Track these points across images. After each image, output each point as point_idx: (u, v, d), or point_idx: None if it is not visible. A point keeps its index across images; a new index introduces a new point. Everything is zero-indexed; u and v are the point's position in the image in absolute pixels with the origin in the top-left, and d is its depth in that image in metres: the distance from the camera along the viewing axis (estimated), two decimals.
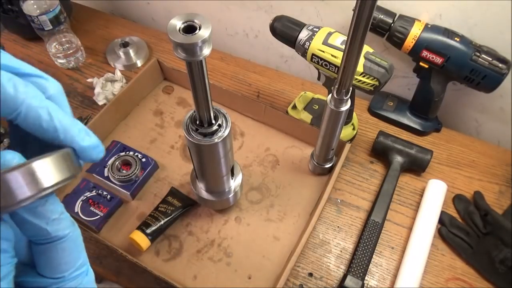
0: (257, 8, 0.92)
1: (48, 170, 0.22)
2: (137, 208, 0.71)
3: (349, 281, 0.62)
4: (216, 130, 0.51)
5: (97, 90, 0.86)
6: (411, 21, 0.71)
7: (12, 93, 0.22)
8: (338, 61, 0.64)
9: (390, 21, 0.72)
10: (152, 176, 0.75)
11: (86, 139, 0.25)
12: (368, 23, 0.44)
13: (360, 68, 0.62)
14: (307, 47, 0.66)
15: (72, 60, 0.92)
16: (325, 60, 0.65)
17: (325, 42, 0.64)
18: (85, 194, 0.69)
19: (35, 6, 0.83)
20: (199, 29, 0.38)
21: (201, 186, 0.65)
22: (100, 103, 0.86)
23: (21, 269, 0.25)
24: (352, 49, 0.47)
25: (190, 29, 0.38)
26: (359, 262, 0.64)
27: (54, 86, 0.25)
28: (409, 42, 0.71)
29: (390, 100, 0.87)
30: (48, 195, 0.23)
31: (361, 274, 0.63)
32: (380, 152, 0.77)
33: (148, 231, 0.65)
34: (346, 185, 0.76)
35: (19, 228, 0.23)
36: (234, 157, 0.63)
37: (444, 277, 0.66)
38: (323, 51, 0.64)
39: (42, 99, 0.23)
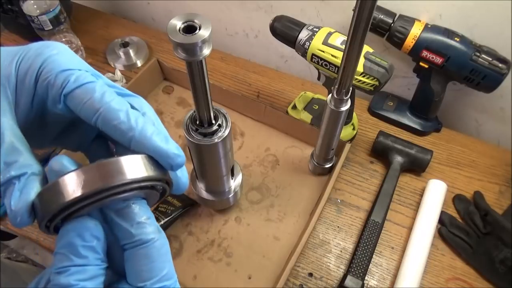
0: (257, 8, 0.92)
1: (135, 166, 0.24)
2: None
3: (349, 281, 0.62)
4: (216, 130, 0.51)
5: None
6: (411, 21, 0.71)
7: (98, 97, 0.25)
8: (338, 61, 0.64)
9: (390, 21, 0.72)
10: None
11: (163, 142, 0.25)
12: (368, 23, 0.44)
13: (360, 68, 0.62)
14: (307, 47, 0.66)
15: None
16: (325, 60, 0.65)
17: (325, 42, 0.64)
18: None
19: (35, 6, 0.83)
20: (199, 29, 0.38)
21: (201, 186, 0.65)
22: None
23: (117, 278, 0.25)
24: (352, 49, 0.47)
25: (190, 29, 0.38)
26: (359, 262, 0.64)
27: (147, 106, 0.28)
28: (409, 42, 0.71)
29: (390, 100, 0.87)
30: (136, 197, 0.25)
31: (361, 274, 0.63)
32: (380, 152, 0.77)
33: None
34: (346, 185, 0.76)
35: (111, 230, 0.24)
36: (234, 157, 0.63)
37: (444, 277, 0.66)
38: (323, 51, 0.64)
39: (123, 103, 0.25)
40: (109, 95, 0.25)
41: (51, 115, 0.27)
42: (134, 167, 0.24)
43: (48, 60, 0.25)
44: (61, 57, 0.26)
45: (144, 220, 0.24)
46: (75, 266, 0.22)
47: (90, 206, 0.23)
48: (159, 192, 0.28)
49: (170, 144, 0.25)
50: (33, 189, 0.23)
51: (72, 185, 0.22)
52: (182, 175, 0.29)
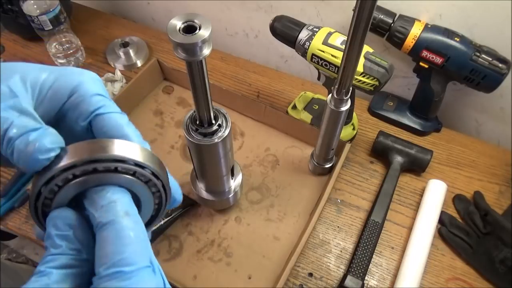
0: (257, 8, 0.92)
1: (128, 148, 0.25)
2: None
3: (349, 281, 0.62)
4: (216, 130, 0.51)
5: None
6: (411, 21, 0.71)
7: (124, 128, 0.28)
8: (338, 61, 0.64)
9: (390, 21, 0.72)
10: None
11: (171, 178, 0.29)
12: (368, 23, 0.44)
13: (360, 68, 0.62)
14: (307, 47, 0.66)
15: (72, 60, 0.92)
16: (325, 60, 0.65)
17: (325, 42, 0.64)
18: None
19: (35, 6, 0.83)
20: (199, 29, 0.38)
21: (201, 186, 0.65)
22: None
23: None
24: (352, 49, 0.47)
25: (190, 29, 0.38)
26: (359, 262, 0.64)
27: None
28: (409, 42, 0.71)
29: (390, 100, 0.87)
30: (120, 186, 0.25)
31: (361, 274, 0.63)
32: (380, 152, 0.77)
33: None
34: (346, 185, 0.76)
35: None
36: (234, 157, 0.63)
37: (444, 277, 0.66)
38: (323, 51, 0.64)
39: (118, 110, 0.29)
40: (132, 129, 0.29)
41: (63, 129, 0.29)
42: (126, 148, 0.24)
43: (86, 82, 0.28)
44: (97, 84, 0.29)
45: (107, 204, 0.23)
46: (51, 255, 0.22)
47: (75, 181, 0.23)
48: (154, 194, 0.27)
49: (176, 183, 0.29)
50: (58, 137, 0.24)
51: (59, 158, 0.23)
52: (177, 195, 0.30)
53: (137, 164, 0.25)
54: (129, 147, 0.25)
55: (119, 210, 0.23)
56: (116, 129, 0.28)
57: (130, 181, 0.25)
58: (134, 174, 0.25)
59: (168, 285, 0.25)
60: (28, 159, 0.23)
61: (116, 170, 0.24)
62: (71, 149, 0.24)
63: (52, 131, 0.24)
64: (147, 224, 0.29)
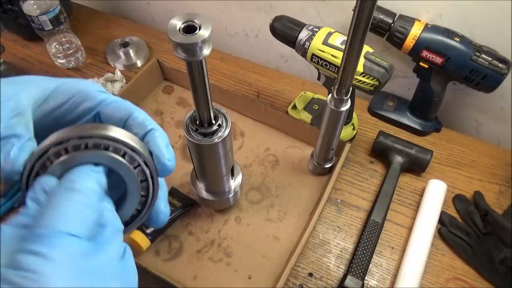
0: (257, 8, 0.92)
1: (115, 129, 0.27)
2: None
3: (349, 281, 0.62)
4: (216, 130, 0.51)
5: None
6: (411, 21, 0.71)
7: (130, 106, 0.32)
8: (338, 61, 0.64)
9: (390, 21, 0.72)
10: None
11: (165, 146, 0.31)
12: (368, 23, 0.44)
13: (360, 68, 0.62)
14: (307, 47, 0.66)
15: (72, 60, 0.92)
16: (325, 60, 0.65)
17: (325, 42, 0.64)
18: None
19: (35, 6, 0.83)
20: (199, 29, 0.38)
21: (201, 186, 0.65)
22: None
23: None
24: (352, 49, 0.47)
25: (190, 29, 0.38)
26: (359, 262, 0.64)
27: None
28: (409, 42, 0.71)
29: (390, 100, 0.87)
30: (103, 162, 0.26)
31: (361, 274, 0.63)
32: (380, 152, 0.77)
33: (148, 231, 0.65)
34: (346, 185, 0.76)
35: None
36: (234, 157, 0.63)
37: (444, 277, 0.66)
38: (323, 51, 0.64)
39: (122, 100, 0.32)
40: (139, 109, 0.32)
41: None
42: (114, 129, 0.26)
43: (88, 84, 0.32)
44: (99, 86, 0.32)
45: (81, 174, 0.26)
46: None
47: (66, 156, 0.25)
48: (140, 177, 0.28)
49: (169, 149, 0.30)
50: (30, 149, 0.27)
51: (53, 136, 0.25)
52: (165, 208, 0.32)
53: (127, 146, 0.26)
54: (123, 132, 0.26)
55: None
56: (123, 111, 0.31)
57: (116, 162, 0.26)
58: (124, 155, 0.26)
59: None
60: (8, 171, 0.26)
61: (106, 148, 0.26)
62: (60, 132, 0.25)
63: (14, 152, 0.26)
64: (134, 216, 0.30)
